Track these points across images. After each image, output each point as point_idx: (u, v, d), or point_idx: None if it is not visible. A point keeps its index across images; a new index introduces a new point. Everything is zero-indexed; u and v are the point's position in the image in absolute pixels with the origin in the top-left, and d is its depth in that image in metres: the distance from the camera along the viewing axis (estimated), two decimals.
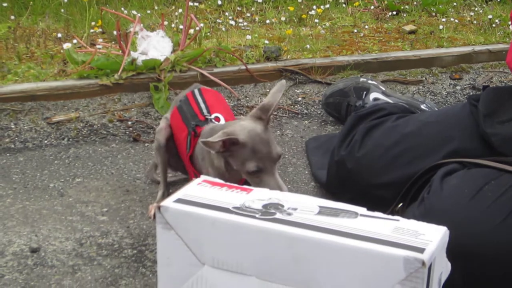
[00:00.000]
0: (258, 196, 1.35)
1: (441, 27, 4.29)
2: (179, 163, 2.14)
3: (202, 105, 2.04)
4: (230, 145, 1.73)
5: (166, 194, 2.14)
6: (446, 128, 2.01)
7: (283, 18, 4.31)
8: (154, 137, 2.17)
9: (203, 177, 1.46)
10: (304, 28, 4.17)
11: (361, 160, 2.06)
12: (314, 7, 4.51)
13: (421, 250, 1.15)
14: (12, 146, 2.59)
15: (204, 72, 3.15)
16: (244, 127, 1.76)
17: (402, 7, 4.76)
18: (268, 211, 1.29)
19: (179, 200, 1.33)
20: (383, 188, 2.01)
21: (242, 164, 1.75)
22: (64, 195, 2.22)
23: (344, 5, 4.90)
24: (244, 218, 1.26)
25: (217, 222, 1.27)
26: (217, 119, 1.98)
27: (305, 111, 3.04)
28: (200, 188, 1.39)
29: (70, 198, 2.20)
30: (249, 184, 1.75)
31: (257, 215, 1.27)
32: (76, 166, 2.43)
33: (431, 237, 1.20)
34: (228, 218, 1.27)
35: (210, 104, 2.05)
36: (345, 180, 2.11)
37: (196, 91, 2.10)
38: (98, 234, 1.99)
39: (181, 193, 1.37)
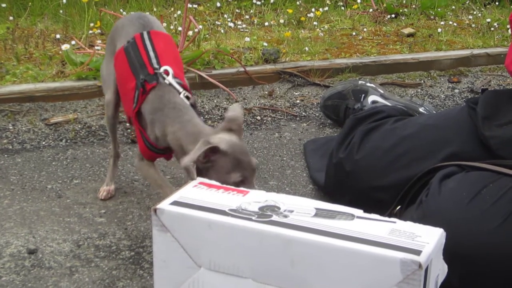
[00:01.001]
0: (254, 198, 1.35)
1: (439, 30, 4.29)
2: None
3: (152, 54, 1.96)
4: (210, 155, 1.68)
5: (117, 158, 2.29)
6: (445, 131, 2.01)
7: (281, 21, 4.31)
8: (105, 107, 2.21)
9: (199, 179, 1.46)
10: (302, 31, 4.18)
11: (359, 162, 2.06)
12: (313, 9, 4.52)
13: (418, 252, 1.15)
14: (10, 147, 2.58)
15: (203, 74, 3.15)
16: (222, 138, 1.72)
17: (400, 10, 4.77)
18: (265, 213, 1.29)
19: (175, 203, 1.33)
20: (381, 190, 2.01)
21: (227, 174, 1.68)
22: (62, 196, 2.21)
23: (342, 8, 4.91)
24: (240, 221, 1.26)
25: (214, 224, 1.27)
26: (166, 72, 1.92)
27: (303, 113, 3.04)
28: (196, 190, 1.39)
29: (68, 199, 2.20)
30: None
31: (253, 218, 1.27)
32: (74, 167, 2.43)
33: (428, 239, 1.20)
34: (224, 220, 1.27)
35: (160, 52, 1.98)
36: (343, 183, 2.11)
37: (145, 35, 2.01)
38: (95, 235, 1.98)
39: (177, 195, 1.37)
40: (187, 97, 1.89)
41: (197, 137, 1.75)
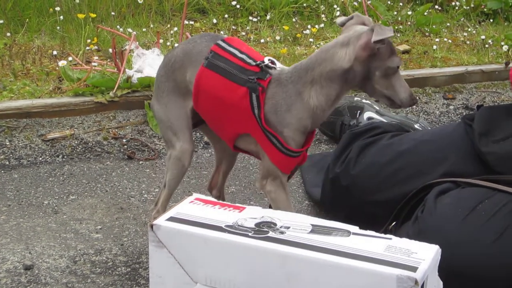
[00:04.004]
0: (250, 215, 1.36)
1: (434, 47, 4.31)
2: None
3: (242, 56, 1.78)
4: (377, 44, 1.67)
5: None
6: (441, 147, 2.02)
7: (277, 37, 4.32)
8: (172, 161, 1.89)
9: (195, 195, 1.47)
10: (298, 47, 4.19)
11: (355, 177, 2.07)
12: (309, 26, 4.53)
13: (414, 269, 1.16)
14: (7, 163, 2.59)
15: None
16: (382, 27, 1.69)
17: (396, 27, 4.78)
18: (261, 229, 1.29)
19: (171, 219, 1.34)
20: (377, 205, 2.01)
21: (389, 58, 1.70)
22: (58, 212, 2.22)
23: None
24: (236, 237, 1.27)
25: (210, 240, 1.28)
26: (272, 63, 1.77)
27: None
28: (193, 206, 1.40)
29: (64, 215, 2.20)
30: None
31: (249, 234, 1.27)
32: (70, 183, 2.44)
33: (424, 255, 1.21)
34: (220, 236, 1.27)
35: (247, 51, 1.80)
36: (340, 198, 2.11)
37: (223, 43, 1.81)
38: (92, 251, 1.99)
39: (174, 211, 1.37)
40: None
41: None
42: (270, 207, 1.86)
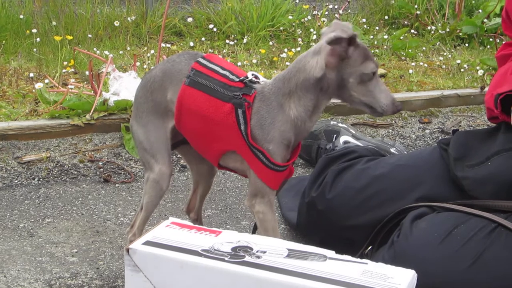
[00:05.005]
0: (227, 239, 1.36)
1: (410, 71, 4.34)
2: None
3: (224, 72, 1.76)
4: (348, 49, 1.64)
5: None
6: (417, 171, 2.03)
7: (254, 61, 4.34)
8: (150, 184, 1.87)
9: (171, 219, 1.46)
10: (275, 71, 4.20)
11: (331, 202, 2.07)
12: (286, 50, 4.55)
13: None
14: None
15: None
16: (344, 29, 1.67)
17: (372, 51, 4.81)
18: (237, 254, 1.29)
19: (147, 243, 1.33)
20: (353, 230, 2.02)
21: (362, 65, 1.66)
22: (34, 235, 2.20)
23: None
24: (213, 261, 1.26)
25: (186, 265, 1.27)
26: (256, 77, 1.75)
27: None
28: (169, 230, 1.39)
29: (40, 238, 2.19)
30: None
31: (226, 258, 1.27)
32: (46, 206, 2.42)
33: (400, 280, 1.21)
34: (197, 261, 1.27)
35: (229, 67, 1.79)
36: (316, 222, 2.12)
37: (203, 60, 1.79)
38: (67, 275, 1.97)
39: (150, 235, 1.37)
40: None
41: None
42: (255, 226, 1.86)
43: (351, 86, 1.69)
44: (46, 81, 3.43)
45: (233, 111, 1.71)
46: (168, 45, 4.58)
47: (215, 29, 4.89)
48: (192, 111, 1.77)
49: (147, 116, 1.85)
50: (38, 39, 4.19)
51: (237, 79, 1.74)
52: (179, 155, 2.81)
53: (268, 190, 1.76)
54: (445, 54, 4.98)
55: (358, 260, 1.29)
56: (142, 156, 1.89)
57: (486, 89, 3.81)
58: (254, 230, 1.91)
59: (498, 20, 5.32)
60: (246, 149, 1.73)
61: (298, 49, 4.66)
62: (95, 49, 4.26)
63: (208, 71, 1.77)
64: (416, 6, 5.70)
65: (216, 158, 1.82)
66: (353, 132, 2.83)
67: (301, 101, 1.71)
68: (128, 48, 4.49)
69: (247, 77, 1.74)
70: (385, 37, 5.11)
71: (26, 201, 2.46)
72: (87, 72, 3.35)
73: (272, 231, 1.78)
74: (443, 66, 4.59)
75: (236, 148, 1.75)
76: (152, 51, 4.34)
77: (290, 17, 5.06)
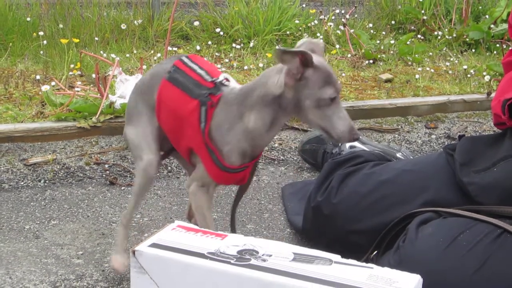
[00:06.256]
0: (233, 242, 1.36)
1: (417, 76, 4.34)
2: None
3: (201, 71, 1.80)
4: (304, 69, 1.62)
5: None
6: (423, 176, 2.03)
7: (261, 64, 4.34)
8: (139, 172, 1.90)
9: (177, 222, 1.47)
10: None
11: (337, 206, 2.07)
12: None
13: None
14: None
15: None
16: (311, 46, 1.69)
17: (378, 56, 4.81)
18: (243, 257, 1.29)
19: (153, 245, 1.33)
20: (358, 234, 2.02)
21: (320, 89, 1.64)
22: (39, 237, 2.21)
23: None
24: (218, 264, 1.27)
25: (192, 267, 1.27)
26: (227, 80, 1.78)
27: (281, 157, 3.06)
28: (175, 233, 1.40)
29: (46, 240, 2.19)
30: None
31: (232, 261, 1.27)
32: (52, 208, 2.43)
33: (405, 285, 1.21)
34: (202, 263, 1.27)
35: (208, 69, 1.82)
36: (321, 226, 2.12)
37: (185, 59, 1.85)
38: (73, 277, 1.98)
39: (156, 237, 1.37)
40: None
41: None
42: (190, 207, 1.87)
43: (307, 108, 1.67)
44: (53, 83, 3.43)
45: (197, 108, 1.75)
46: (175, 49, 4.59)
47: (221, 33, 4.89)
48: (167, 104, 1.82)
49: (137, 117, 1.91)
50: (45, 42, 4.20)
51: (210, 80, 1.77)
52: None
53: (211, 181, 1.81)
54: (451, 59, 4.97)
55: (364, 264, 1.29)
56: (133, 153, 1.93)
57: (493, 95, 3.81)
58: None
59: (505, 26, 5.31)
60: (203, 146, 1.76)
61: None
62: (101, 52, 4.27)
63: (187, 69, 1.81)
64: (423, 11, 5.70)
65: (187, 156, 1.86)
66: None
67: (260, 114, 1.71)
68: (135, 51, 4.50)
69: (218, 78, 1.77)
70: (392, 42, 5.11)
71: (32, 203, 2.46)
72: (93, 75, 3.35)
73: (202, 215, 1.83)
74: (450, 72, 4.59)
75: (194, 145, 1.79)
76: (159, 55, 4.35)
77: (297, 22, 5.07)
